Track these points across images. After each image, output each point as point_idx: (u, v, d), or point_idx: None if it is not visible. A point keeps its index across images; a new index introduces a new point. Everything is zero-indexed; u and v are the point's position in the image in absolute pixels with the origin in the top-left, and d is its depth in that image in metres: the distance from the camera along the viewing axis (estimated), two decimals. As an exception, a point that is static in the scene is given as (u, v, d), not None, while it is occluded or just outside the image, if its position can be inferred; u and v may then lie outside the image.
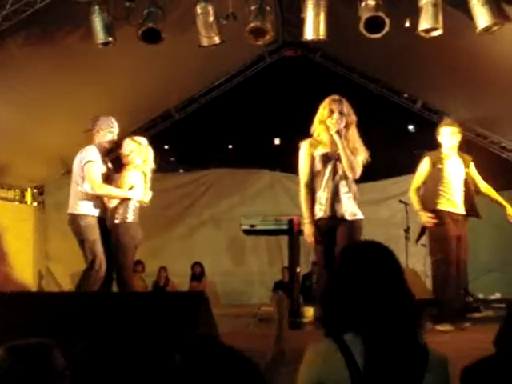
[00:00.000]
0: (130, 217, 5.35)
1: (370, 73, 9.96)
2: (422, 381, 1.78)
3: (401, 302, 1.85)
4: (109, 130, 5.56)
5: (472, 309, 6.68)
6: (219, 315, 4.46)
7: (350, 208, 4.72)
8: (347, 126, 4.77)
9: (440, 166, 5.68)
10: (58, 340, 1.98)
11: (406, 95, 10.22)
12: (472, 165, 5.83)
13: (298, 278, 6.77)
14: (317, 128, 4.86)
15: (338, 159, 4.71)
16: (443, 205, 5.65)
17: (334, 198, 4.68)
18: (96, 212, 5.38)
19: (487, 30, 5.88)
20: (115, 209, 5.37)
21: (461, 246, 5.62)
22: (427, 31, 6.07)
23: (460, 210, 5.69)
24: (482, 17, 5.80)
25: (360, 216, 4.75)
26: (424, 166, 5.76)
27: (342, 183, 4.72)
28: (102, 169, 5.47)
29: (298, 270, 6.55)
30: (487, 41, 6.38)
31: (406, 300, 1.87)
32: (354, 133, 4.83)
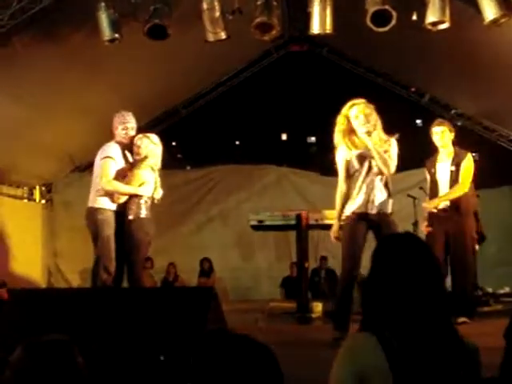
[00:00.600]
0: (143, 213, 5.36)
1: (377, 67, 9.93)
2: (460, 370, 1.78)
3: (436, 294, 1.85)
4: (122, 127, 5.56)
5: (481, 303, 6.66)
6: (228, 311, 4.47)
7: (384, 203, 4.82)
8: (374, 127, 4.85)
9: (433, 170, 5.77)
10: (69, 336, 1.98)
11: (413, 89, 10.18)
12: (467, 159, 5.69)
13: (307, 273, 6.77)
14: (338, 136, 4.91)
15: (372, 158, 4.79)
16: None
17: (370, 194, 4.76)
18: (114, 206, 5.39)
19: (495, 22, 5.84)
20: (128, 205, 5.38)
21: (451, 242, 5.56)
22: (434, 24, 6.04)
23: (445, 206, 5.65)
24: (489, 9, 5.76)
25: (390, 210, 4.87)
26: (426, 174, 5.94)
27: (377, 180, 4.81)
28: (121, 165, 5.48)
29: (307, 265, 6.56)
30: (495, 33, 6.34)
31: (441, 292, 1.87)
32: (380, 132, 4.90)
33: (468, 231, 5.59)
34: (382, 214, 4.78)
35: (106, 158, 5.41)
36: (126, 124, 5.58)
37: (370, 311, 1.90)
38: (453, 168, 5.65)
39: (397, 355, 1.73)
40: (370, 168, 4.80)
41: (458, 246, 5.54)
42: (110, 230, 5.32)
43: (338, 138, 4.88)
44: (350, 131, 4.81)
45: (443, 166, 5.72)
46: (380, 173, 4.80)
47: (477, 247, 6.10)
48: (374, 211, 4.76)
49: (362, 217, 4.75)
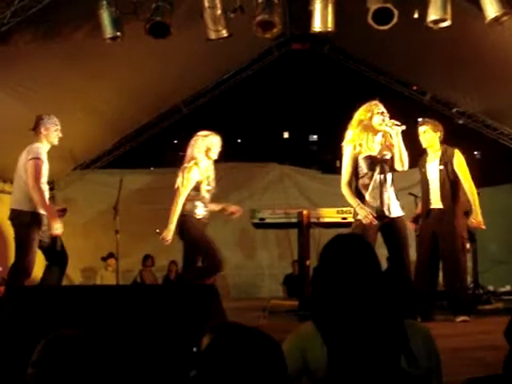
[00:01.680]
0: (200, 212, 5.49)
1: (378, 65, 9.93)
2: (412, 357, 1.85)
3: (376, 292, 1.89)
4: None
5: (482, 301, 6.67)
6: (229, 308, 4.47)
7: (395, 206, 4.97)
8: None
9: (423, 169, 5.75)
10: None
11: (415, 87, 10.18)
12: (456, 157, 5.58)
13: (308, 271, 6.77)
14: (354, 132, 4.97)
15: (383, 160, 4.83)
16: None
17: (383, 197, 4.86)
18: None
19: (496, 20, 5.84)
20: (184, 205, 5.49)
21: (440, 242, 5.50)
22: (436, 22, 6.04)
23: (436, 205, 5.63)
24: (491, 7, 5.76)
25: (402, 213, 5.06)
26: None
27: (389, 183, 4.94)
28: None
29: (308, 263, 6.55)
30: (496, 31, 6.34)
31: (382, 290, 1.90)
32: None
33: (459, 231, 5.52)
34: (397, 218, 4.92)
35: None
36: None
37: (316, 305, 1.98)
38: (441, 167, 5.57)
39: (334, 346, 1.78)
40: (382, 172, 4.86)
41: (449, 246, 5.46)
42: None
43: (353, 132, 4.96)
44: (367, 128, 4.91)
45: (432, 166, 5.66)
46: (391, 176, 4.90)
47: (468, 246, 6.09)
48: (390, 215, 4.83)
49: (379, 219, 4.85)
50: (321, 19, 6.32)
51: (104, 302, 3.63)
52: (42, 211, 5.37)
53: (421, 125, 5.76)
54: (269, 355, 1.49)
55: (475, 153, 24.82)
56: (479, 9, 5.87)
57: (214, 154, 5.60)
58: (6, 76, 6.89)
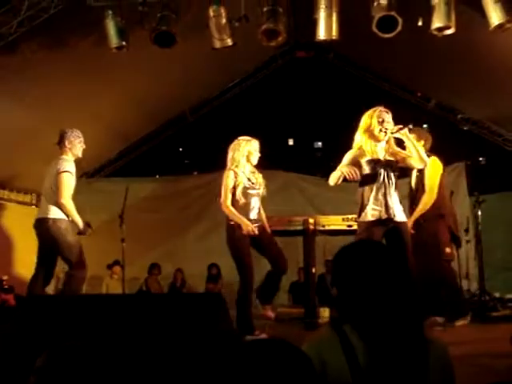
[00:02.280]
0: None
1: (383, 72, 9.95)
2: (426, 370, 1.83)
3: (399, 297, 1.89)
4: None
5: (489, 307, 6.65)
6: (234, 317, 4.47)
7: (399, 211, 4.91)
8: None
9: (410, 177, 5.80)
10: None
11: (419, 94, 10.19)
12: (429, 165, 5.45)
13: (314, 279, 6.77)
14: (361, 137, 4.95)
15: (387, 165, 4.82)
16: None
17: (387, 201, 4.82)
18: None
19: (500, 27, 5.85)
20: None
21: (419, 249, 5.30)
22: (440, 30, 6.06)
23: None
24: (495, 14, 5.77)
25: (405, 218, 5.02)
26: None
27: (393, 188, 4.89)
28: None
29: (314, 270, 6.55)
30: (501, 38, 6.35)
31: (405, 295, 1.91)
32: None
33: (432, 237, 5.52)
34: (401, 222, 4.88)
35: None
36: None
37: (339, 310, 1.98)
38: (418, 173, 5.65)
39: (354, 352, 1.80)
40: (386, 176, 4.84)
41: (426, 252, 5.43)
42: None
43: (361, 137, 4.95)
44: (371, 135, 4.90)
45: (413, 173, 5.73)
46: (396, 181, 4.88)
47: (448, 250, 5.82)
48: (394, 218, 4.82)
49: (378, 223, 4.81)
50: (325, 28, 6.35)
51: (108, 311, 3.64)
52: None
53: None
54: (299, 370, 1.49)
55: (480, 159, 24.79)
56: (483, 16, 5.89)
57: (255, 159, 5.61)
58: (13, 85, 6.94)
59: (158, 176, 12.53)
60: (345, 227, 6.03)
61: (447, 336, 4.33)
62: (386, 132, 4.85)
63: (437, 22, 5.99)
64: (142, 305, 3.89)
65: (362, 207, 4.87)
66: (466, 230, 8.11)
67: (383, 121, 4.88)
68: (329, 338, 1.90)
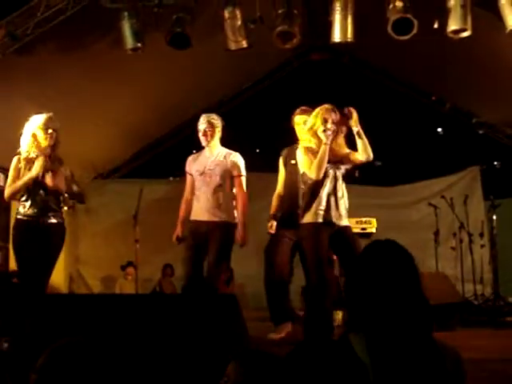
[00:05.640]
0: None
1: (398, 75, 9.90)
2: (441, 378, 1.79)
3: (410, 301, 1.85)
4: None
5: (503, 313, 6.60)
6: (248, 318, 4.45)
7: (345, 214, 4.75)
8: (337, 135, 4.79)
9: None
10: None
11: (434, 97, 10.13)
12: None
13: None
14: (307, 135, 4.86)
15: (335, 166, 4.71)
16: None
17: (333, 204, 4.67)
18: None
19: (517, 30, 5.82)
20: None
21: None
22: (456, 32, 6.03)
23: None
24: (511, 17, 5.74)
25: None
26: None
27: (340, 190, 4.74)
28: None
29: (327, 273, 6.52)
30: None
31: (415, 299, 1.87)
32: (342, 142, 4.84)
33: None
34: (346, 226, 4.73)
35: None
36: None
37: (353, 314, 1.93)
38: None
39: (359, 361, 1.76)
40: (334, 177, 4.69)
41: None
42: None
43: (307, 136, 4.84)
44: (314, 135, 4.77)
45: None
46: (341, 184, 4.74)
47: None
48: (341, 222, 4.68)
49: (326, 226, 4.64)
50: (340, 30, 6.33)
51: (123, 311, 3.65)
52: None
53: None
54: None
55: (495, 163, 24.62)
56: (499, 19, 5.85)
57: None
58: (28, 85, 6.99)
59: (171, 178, 12.56)
60: (358, 230, 6.01)
61: (461, 340, 4.29)
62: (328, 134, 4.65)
63: (453, 25, 5.96)
64: (156, 305, 3.89)
65: (307, 209, 4.71)
66: (481, 235, 8.06)
67: (327, 121, 4.73)
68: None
